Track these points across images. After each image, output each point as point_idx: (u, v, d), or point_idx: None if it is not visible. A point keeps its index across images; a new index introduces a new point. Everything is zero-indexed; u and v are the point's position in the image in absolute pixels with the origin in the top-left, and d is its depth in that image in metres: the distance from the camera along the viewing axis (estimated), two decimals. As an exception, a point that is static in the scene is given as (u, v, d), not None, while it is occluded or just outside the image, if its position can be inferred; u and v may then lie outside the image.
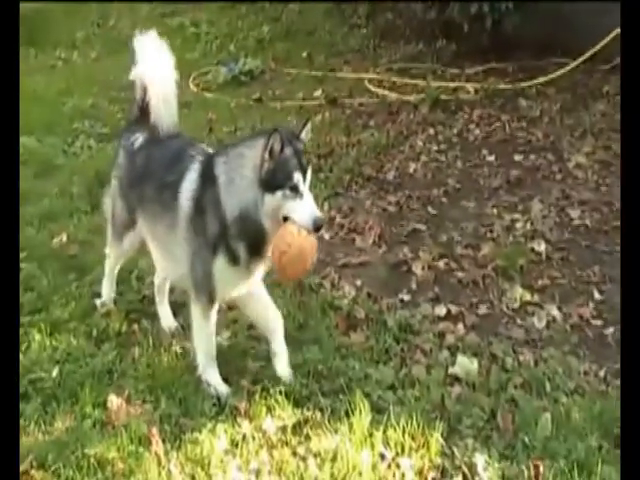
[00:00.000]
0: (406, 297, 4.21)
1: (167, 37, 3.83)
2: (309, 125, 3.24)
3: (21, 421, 3.09)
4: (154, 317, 3.94)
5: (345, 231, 4.95)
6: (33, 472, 2.86)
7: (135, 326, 3.87)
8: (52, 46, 9.78)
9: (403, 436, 3.02)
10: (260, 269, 3.31)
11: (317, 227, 3.08)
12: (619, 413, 3.11)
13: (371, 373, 3.47)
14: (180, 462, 2.93)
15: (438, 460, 2.95)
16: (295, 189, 3.06)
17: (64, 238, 4.78)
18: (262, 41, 9.58)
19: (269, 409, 3.20)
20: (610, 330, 3.90)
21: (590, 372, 3.58)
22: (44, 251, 4.57)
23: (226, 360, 3.50)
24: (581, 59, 7.11)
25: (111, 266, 4.05)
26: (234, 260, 3.22)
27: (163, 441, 2.99)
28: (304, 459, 2.95)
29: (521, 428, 3.14)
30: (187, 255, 3.34)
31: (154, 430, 3.01)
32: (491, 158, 5.95)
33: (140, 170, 3.62)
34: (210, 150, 3.51)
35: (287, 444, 3.04)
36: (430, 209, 5.25)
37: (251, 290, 3.43)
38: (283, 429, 3.11)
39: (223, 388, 3.37)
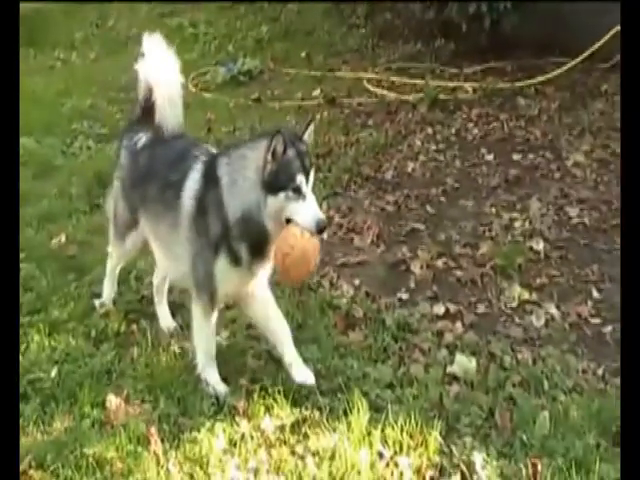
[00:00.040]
0: (404, 296, 4.22)
1: (166, 37, 3.82)
2: (312, 126, 3.24)
3: (20, 421, 3.09)
4: (153, 317, 3.95)
5: (344, 231, 4.96)
6: (32, 472, 2.87)
7: (134, 326, 3.87)
8: (51, 46, 9.79)
9: (401, 435, 3.02)
10: (262, 270, 3.30)
11: (320, 229, 3.07)
12: (617, 411, 3.12)
13: (369, 372, 3.47)
14: (179, 461, 2.94)
15: (436, 458, 2.95)
16: (298, 191, 3.05)
17: (63, 239, 4.79)
18: (261, 41, 9.58)
19: (267, 408, 3.20)
20: (608, 328, 3.90)
21: (588, 370, 3.59)
22: (43, 252, 4.57)
23: (225, 359, 3.50)
24: (580, 58, 7.11)
25: (112, 266, 4.06)
26: (236, 261, 3.22)
27: (162, 440, 3.00)
28: (302, 458, 2.95)
29: (519, 426, 3.14)
30: (189, 255, 3.35)
31: (153, 430, 3.01)
32: (490, 157, 5.96)
33: (143, 170, 3.62)
34: (214, 150, 3.50)
35: (285, 443, 3.04)
36: (429, 208, 5.25)
37: (257, 296, 3.40)
38: (281, 428, 3.11)
39: (221, 387, 3.37)
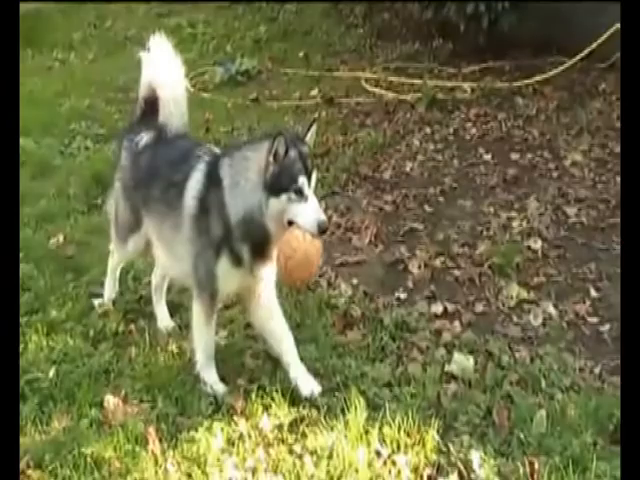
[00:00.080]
0: (402, 295, 4.22)
1: (159, 35, 3.82)
2: (314, 128, 3.24)
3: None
4: (151, 317, 3.95)
5: (342, 230, 4.96)
6: (30, 472, 2.87)
7: (132, 326, 3.87)
8: (49, 47, 9.76)
9: (399, 433, 3.03)
10: (263, 271, 3.29)
11: (322, 231, 3.08)
12: (614, 409, 3.14)
13: (367, 371, 3.48)
14: (177, 461, 2.94)
15: (434, 457, 2.95)
16: (300, 192, 3.05)
17: (61, 239, 4.79)
18: (259, 41, 9.57)
19: (265, 407, 3.21)
20: (606, 327, 3.92)
21: (586, 369, 3.59)
22: (41, 252, 4.57)
23: (223, 359, 3.51)
24: (577, 57, 7.11)
25: (113, 266, 4.06)
26: (237, 262, 3.22)
27: (160, 440, 3.00)
28: (300, 457, 2.96)
29: (517, 425, 3.15)
30: (190, 254, 3.35)
31: (151, 429, 3.02)
32: (488, 157, 5.96)
33: (145, 170, 3.61)
34: (217, 151, 3.50)
35: (283, 442, 3.05)
36: (427, 208, 5.25)
37: (263, 304, 3.38)
38: (279, 427, 3.12)
39: (219, 387, 3.38)
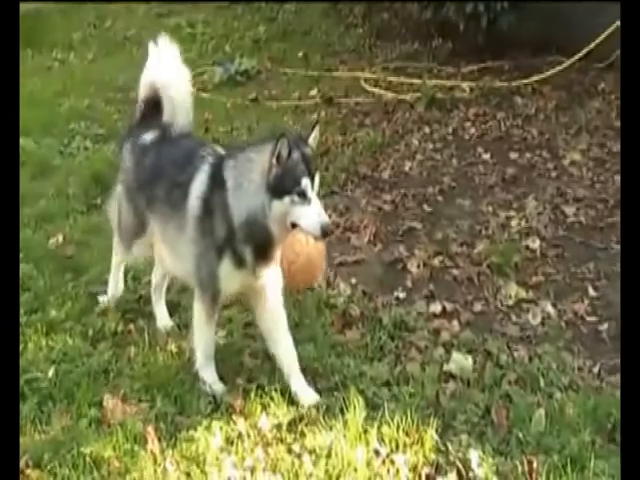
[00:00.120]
0: (401, 295, 4.23)
1: (161, 36, 3.83)
2: (317, 129, 3.23)
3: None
4: (150, 317, 3.96)
5: (341, 230, 4.96)
6: (29, 471, 2.87)
7: (131, 326, 3.88)
8: (49, 47, 9.76)
9: (397, 432, 3.03)
10: (266, 272, 3.28)
11: (325, 234, 3.07)
12: (613, 408, 3.16)
13: (366, 370, 3.48)
14: (176, 460, 2.95)
15: (432, 456, 2.96)
16: (303, 195, 3.05)
17: (60, 239, 4.79)
18: (258, 41, 9.57)
19: (264, 407, 3.22)
20: (604, 326, 3.92)
21: (584, 368, 3.60)
22: (40, 252, 4.57)
23: (222, 358, 3.51)
24: (576, 57, 7.11)
25: (117, 264, 4.04)
26: (240, 263, 3.22)
27: (159, 439, 3.01)
28: (299, 456, 2.96)
29: (515, 424, 3.16)
30: (193, 255, 3.35)
31: (150, 428, 3.03)
32: (486, 156, 5.97)
33: (150, 170, 3.60)
34: (221, 151, 3.49)
35: (282, 441, 3.05)
36: (425, 207, 5.26)
37: (269, 308, 3.38)
38: (278, 426, 3.12)
39: (218, 387, 3.38)
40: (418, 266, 4.50)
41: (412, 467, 2.91)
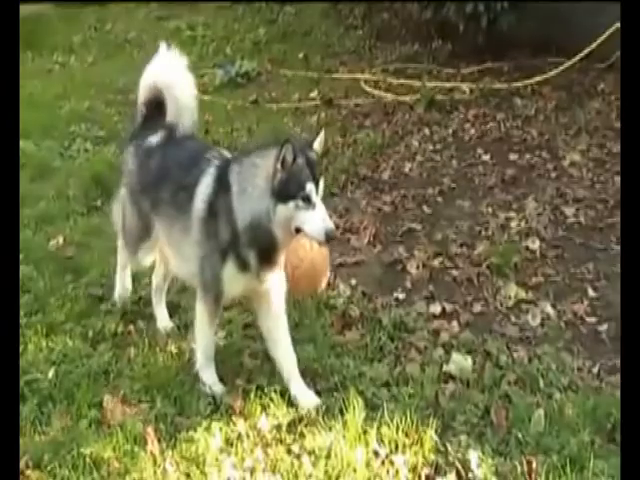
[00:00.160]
0: (401, 296, 4.24)
1: (163, 40, 3.84)
2: (322, 135, 3.23)
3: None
4: (150, 318, 3.96)
5: (340, 231, 4.96)
6: (29, 472, 2.87)
7: (131, 327, 3.88)
8: (49, 50, 9.79)
9: (397, 433, 3.03)
10: (270, 276, 3.28)
11: (329, 239, 3.08)
12: (612, 408, 3.16)
13: (365, 371, 3.48)
14: (175, 460, 2.95)
15: (432, 457, 2.96)
16: (307, 200, 3.05)
17: (60, 240, 4.80)
18: (258, 43, 9.59)
19: (264, 407, 3.22)
20: (604, 327, 3.93)
21: (584, 368, 3.60)
22: (41, 253, 4.58)
23: (221, 359, 3.51)
24: (576, 58, 7.11)
25: (122, 267, 4.03)
26: (244, 267, 3.23)
27: (158, 440, 3.01)
28: (298, 457, 2.96)
29: (515, 424, 3.16)
30: (198, 256, 3.36)
31: (149, 429, 3.03)
32: (486, 157, 5.97)
33: (155, 172, 3.60)
34: (227, 154, 3.50)
35: (282, 442, 3.05)
36: (425, 208, 5.26)
37: (272, 311, 3.37)
38: (278, 427, 3.12)
39: (218, 388, 3.39)
40: (418, 267, 4.50)
41: (411, 468, 2.91)
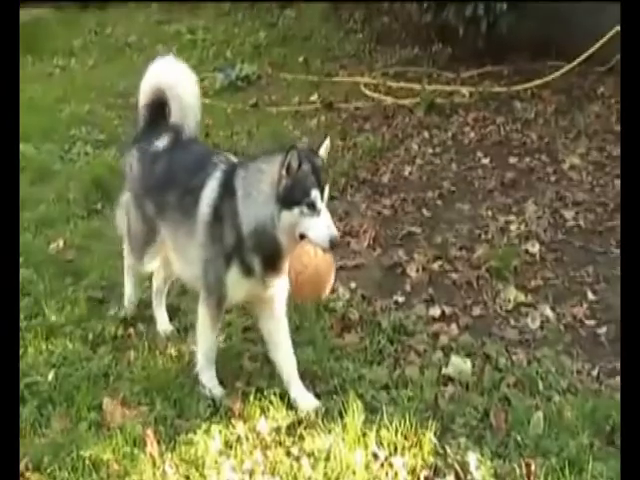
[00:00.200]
0: (400, 299, 4.24)
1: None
2: (328, 141, 3.22)
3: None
4: (150, 320, 3.97)
5: (340, 234, 4.96)
6: (29, 474, 2.88)
7: (131, 330, 3.89)
8: (49, 54, 9.82)
9: (396, 436, 3.04)
10: (274, 282, 3.28)
11: (333, 246, 3.09)
12: (611, 411, 3.16)
13: (365, 374, 3.49)
14: (175, 463, 2.95)
15: (431, 459, 2.96)
16: (312, 206, 3.05)
17: (60, 243, 4.81)
18: (258, 47, 9.62)
19: (263, 410, 3.22)
20: (603, 330, 3.92)
21: (583, 371, 3.60)
22: (41, 256, 4.59)
23: (221, 362, 3.51)
24: (576, 62, 7.12)
25: (129, 272, 4.01)
26: (248, 272, 3.23)
27: (158, 442, 3.01)
28: (298, 459, 2.97)
29: (514, 427, 3.16)
30: (202, 260, 3.36)
31: (149, 431, 3.03)
32: (486, 160, 5.98)
33: (161, 175, 3.60)
34: (233, 159, 3.51)
35: (281, 444, 3.06)
36: (425, 212, 5.27)
37: (274, 316, 3.39)
38: (277, 430, 3.13)
39: (218, 391, 3.39)
40: (417, 270, 4.51)
41: (411, 470, 2.91)
